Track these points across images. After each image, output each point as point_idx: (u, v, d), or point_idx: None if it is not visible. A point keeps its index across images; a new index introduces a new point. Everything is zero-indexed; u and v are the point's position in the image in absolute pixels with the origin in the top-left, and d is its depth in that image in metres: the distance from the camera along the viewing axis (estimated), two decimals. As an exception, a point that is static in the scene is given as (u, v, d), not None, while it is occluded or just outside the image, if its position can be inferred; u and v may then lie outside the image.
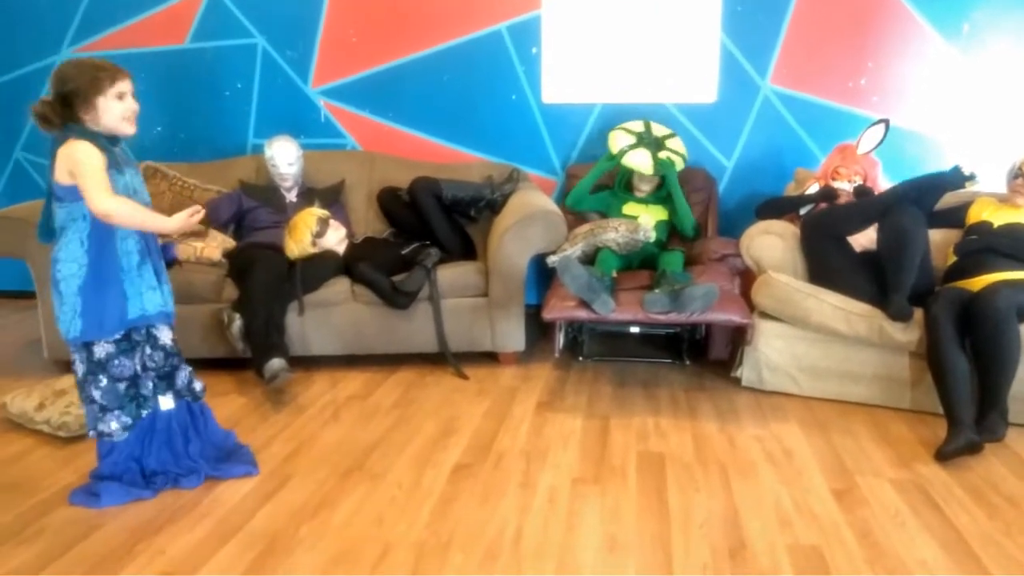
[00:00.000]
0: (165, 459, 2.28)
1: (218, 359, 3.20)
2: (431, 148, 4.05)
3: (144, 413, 2.21)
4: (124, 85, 2.07)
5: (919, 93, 3.68)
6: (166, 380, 2.27)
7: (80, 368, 2.14)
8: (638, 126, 3.51)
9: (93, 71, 2.03)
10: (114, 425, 2.16)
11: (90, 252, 2.06)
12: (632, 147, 3.39)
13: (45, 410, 2.63)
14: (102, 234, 2.06)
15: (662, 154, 3.40)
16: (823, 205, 3.17)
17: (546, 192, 3.85)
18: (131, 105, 2.10)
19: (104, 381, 2.14)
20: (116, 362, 2.14)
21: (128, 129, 2.10)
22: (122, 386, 2.16)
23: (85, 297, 2.06)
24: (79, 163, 1.98)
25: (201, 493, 2.23)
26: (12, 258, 3.24)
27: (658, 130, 3.51)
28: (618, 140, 3.44)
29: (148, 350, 2.22)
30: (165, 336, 2.25)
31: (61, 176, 2.02)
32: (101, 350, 2.12)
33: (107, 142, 2.07)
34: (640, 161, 3.37)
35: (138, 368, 2.19)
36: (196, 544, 1.96)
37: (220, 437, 2.41)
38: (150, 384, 2.22)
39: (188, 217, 2.09)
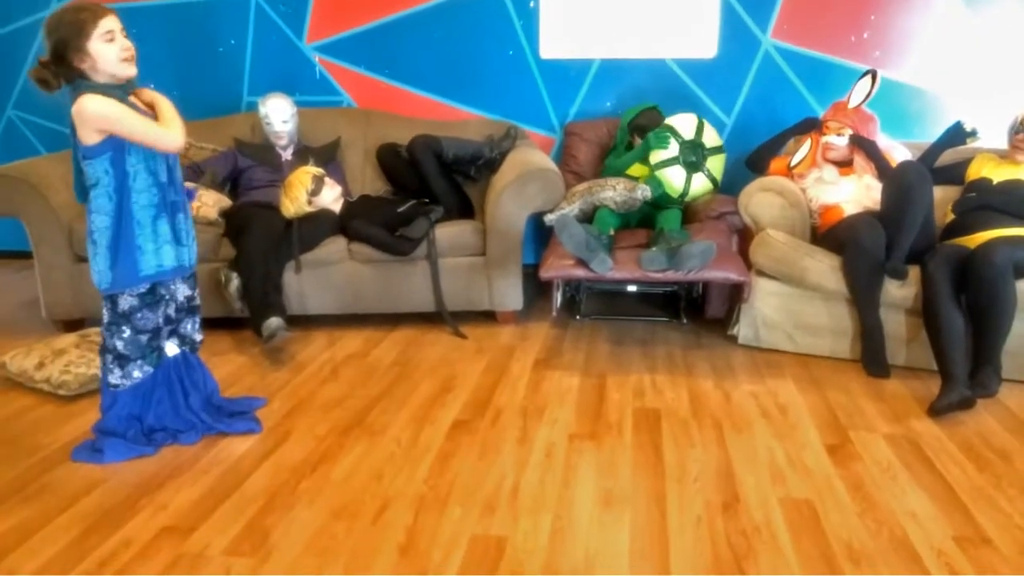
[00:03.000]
0: (164, 413, 2.30)
1: (216, 318, 3.21)
2: (427, 105, 4.00)
3: (161, 359, 2.25)
4: (109, 22, 1.98)
5: (922, 47, 3.63)
6: (172, 330, 2.31)
7: (105, 316, 2.17)
8: (688, 131, 3.25)
9: (73, 14, 1.96)
10: (136, 374, 2.20)
11: (116, 205, 2.06)
12: (668, 163, 3.23)
13: (45, 369, 2.64)
14: (123, 188, 2.06)
15: (698, 178, 3.24)
16: (806, 139, 3.16)
17: (544, 150, 3.82)
18: (123, 43, 2.01)
19: (127, 332, 2.17)
20: (139, 315, 2.17)
21: (128, 70, 2.03)
22: (144, 338, 2.19)
23: (114, 249, 2.08)
24: (107, 119, 1.96)
25: (202, 449, 2.25)
26: (7, 217, 3.23)
27: (709, 138, 3.29)
28: (660, 154, 3.24)
29: (173, 303, 2.26)
30: (180, 293, 2.27)
31: (85, 136, 1.99)
32: (125, 303, 2.14)
33: (120, 92, 2.02)
34: (672, 177, 3.22)
35: (160, 321, 2.22)
36: (197, 499, 1.99)
37: (215, 393, 2.43)
38: (166, 334, 2.26)
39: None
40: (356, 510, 1.94)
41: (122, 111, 1.97)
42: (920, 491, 2.02)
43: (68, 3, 2.03)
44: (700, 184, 3.25)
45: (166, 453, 2.24)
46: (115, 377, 2.20)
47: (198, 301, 2.34)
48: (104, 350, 2.20)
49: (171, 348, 2.30)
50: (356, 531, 1.85)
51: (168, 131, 2.03)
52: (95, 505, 1.97)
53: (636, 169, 3.49)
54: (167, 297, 2.24)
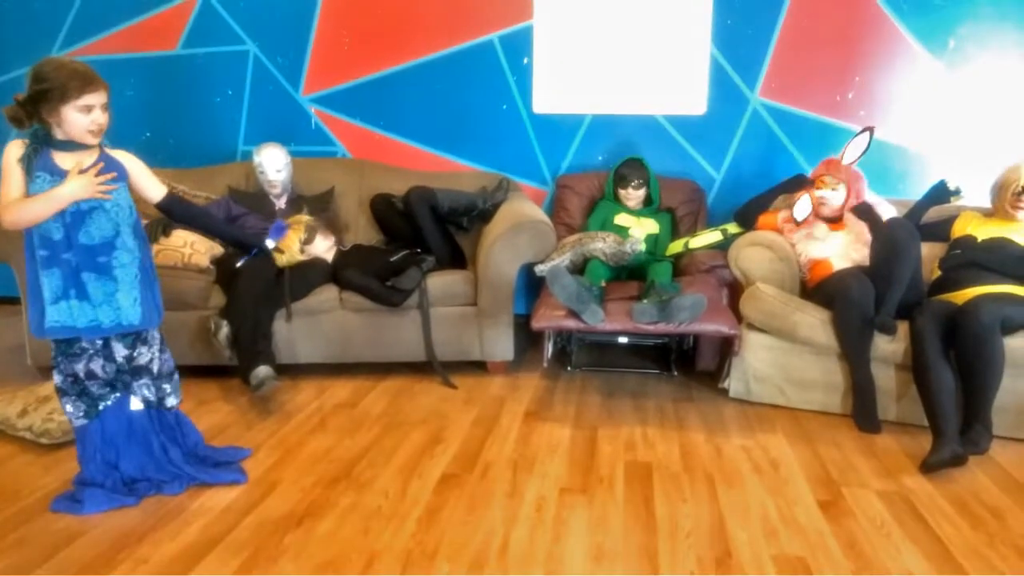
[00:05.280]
0: (145, 464, 2.26)
1: (204, 366, 3.18)
2: (421, 156, 4.05)
3: (102, 406, 2.19)
4: (94, 98, 2.00)
5: (905, 107, 3.72)
6: (125, 388, 2.23)
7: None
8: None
9: (67, 77, 1.98)
10: (69, 407, 2.18)
11: (28, 257, 2.07)
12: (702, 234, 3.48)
13: (27, 416, 2.60)
14: (29, 240, 2.07)
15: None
16: (799, 195, 3.21)
17: (536, 202, 3.86)
18: (97, 119, 2.02)
19: (61, 366, 2.16)
20: (58, 359, 2.16)
21: (90, 141, 2.05)
22: (68, 381, 2.17)
23: (28, 297, 2.10)
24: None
25: (185, 501, 2.21)
26: (-3, 262, 3.22)
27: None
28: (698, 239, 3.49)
29: (100, 360, 2.17)
30: (119, 352, 2.20)
31: None
32: (50, 344, 2.15)
33: (55, 145, 2.03)
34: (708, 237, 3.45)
35: (80, 373, 2.16)
36: (179, 552, 1.94)
37: (199, 444, 2.39)
38: (95, 389, 2.19)
39: (88, 174, 2.02)
40: (342, 565, 1.89)
41: (6, 174, 2.00)
42: (914, 549, 2.00)
43: (69, 61, 2.04)
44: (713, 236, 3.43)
45: (148, 504, 2.19)
46: (63, 407, 2.19)
47: (144, 361, 2.23)
48: None
49: (135, 403, 2.25)
50: (341, 587, 1.81)
51: (5, 210, 1.99)
52: (75, 558, 1.92)
53: (624, 219, 3.53)
54: (91, 351, 2.15)
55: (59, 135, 2.03)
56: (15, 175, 2.01)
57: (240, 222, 3.53)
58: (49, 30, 4.11)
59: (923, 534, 2.07)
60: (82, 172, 2.03)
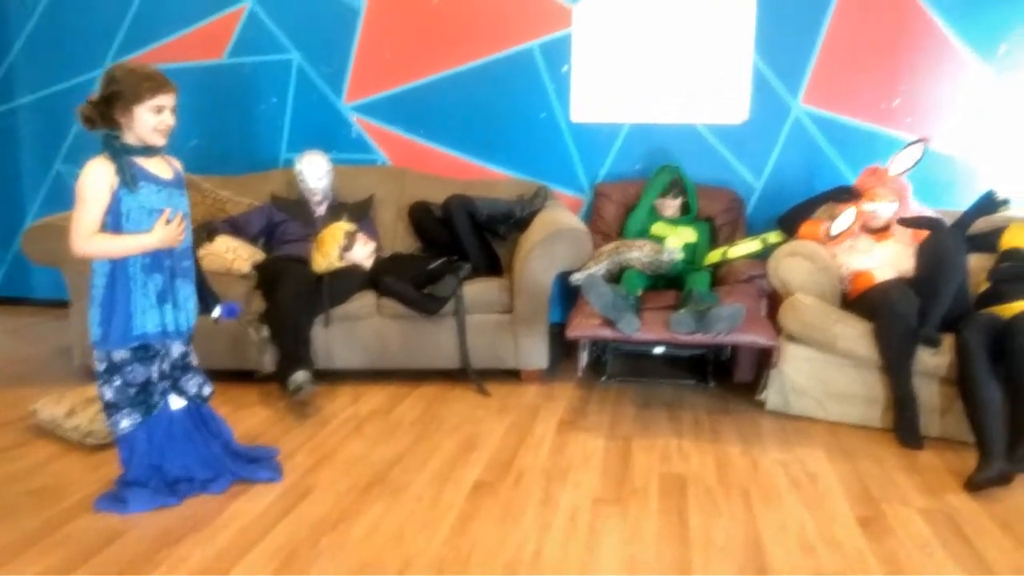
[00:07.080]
0: (190, 464, 2.30)
1: (244, 371, 3.24)
2: (460, 165, 4.08)
3: (154, 412, 2.23)
4: (165, 99, 2.11)
5: (953, 115, 3.63)
6: (171, 388, 2.28)
7: (99, 366, 2.18)
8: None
9: (140, 79, 2.08)
10: (124, 423, 2.20)
11: (111, 265, 2.11)
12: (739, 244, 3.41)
13: (74, 417, 2.67)
14: None
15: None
16: (842, 208, 3.15)
17: (573, 210, 3.86)
18: (166, 119, 2.12)
19: (118, 382, 2.18)
20: (129, 368, 2.18)
21: (157, 141, 2.13)
22: (132, 391, 2.19)
23: (104, 308, 2.12)
24: (78, 191, 2.05)
25: (223, 503, 2.25)
26: (49, 267, 3.32)
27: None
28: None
29: (167, 360, 2.25)
30: (175, 350, 2.27)
31: None
32: (118, 355, 2.16)
33: (132, 152, 2.10)
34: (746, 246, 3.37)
35: (153, 376, 2.21)
36: (217, 554, 1.98)
37: (231, 441, 2.43)
38: (156, 395, 2.24)
39: (165, 226, 2.13)
40: (376, 570, 1.91)
41: (88, 198, 2.05)
42: (957, 569, 1.94)
43: (141, 65, 2.15)
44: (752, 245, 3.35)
45: (188, 506, 2.23)
46: (115, 424, 2.21)
47: (191, 358, 2.33)
48: (101, 397, 2.22)
49: (176, 402, 2.29)
50: (374, 592, 1.82)
51: (83, 240, 2.07)
52: (116, 556, 1.96)
53: (661, 228, 3.51)
54: (162, 352, 2.22)
55: (129, 138, 2.11)
56: (100, 202, 2.06)
57: (281, 229, 3.60)
58: (103, 41, 4.23)
59: (967, 554, 2.01)
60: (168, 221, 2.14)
